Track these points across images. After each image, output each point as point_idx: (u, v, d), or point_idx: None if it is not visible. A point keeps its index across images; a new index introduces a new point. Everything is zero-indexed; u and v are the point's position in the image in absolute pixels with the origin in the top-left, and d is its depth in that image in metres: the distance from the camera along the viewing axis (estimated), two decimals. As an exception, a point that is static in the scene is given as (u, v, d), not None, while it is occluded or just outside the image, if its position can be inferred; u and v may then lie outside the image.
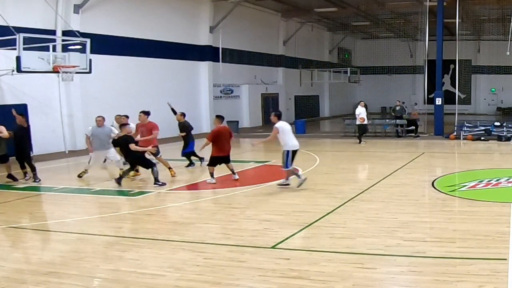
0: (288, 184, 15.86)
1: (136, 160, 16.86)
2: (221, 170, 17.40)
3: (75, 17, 27.35)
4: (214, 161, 17.08)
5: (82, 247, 10.35)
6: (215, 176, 16.87)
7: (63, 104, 27.03)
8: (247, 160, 22.65)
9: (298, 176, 15.79)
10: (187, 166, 20.62)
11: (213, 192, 15.74)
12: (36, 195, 16.36)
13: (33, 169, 18.23)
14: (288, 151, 15.72)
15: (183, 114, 21.40)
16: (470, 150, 25.57)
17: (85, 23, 27.63)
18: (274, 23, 47.70)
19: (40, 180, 17.99)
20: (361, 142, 28.47)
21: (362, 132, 29.27)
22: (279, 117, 16.31)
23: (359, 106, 29.69)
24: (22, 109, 22.81)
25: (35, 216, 13.48)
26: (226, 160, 17.33)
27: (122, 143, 16.74)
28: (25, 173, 18.51)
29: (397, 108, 33.91)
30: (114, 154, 18.58)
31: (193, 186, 17.12)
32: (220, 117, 17.75)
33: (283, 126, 16.03)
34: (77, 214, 13.45)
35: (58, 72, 22.31)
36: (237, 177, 17.38)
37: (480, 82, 61.38)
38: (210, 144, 17.07)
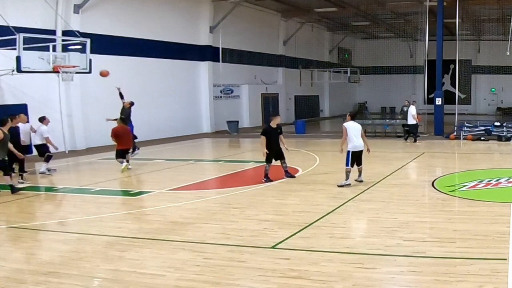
0: (349, 184, 15.83)
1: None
2: (220, 170, 17.39)
3: (75, 17, 27.38)
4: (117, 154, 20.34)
5: (82, 247, 10.35)
6: None
7: (63, 104, 27.03)
8: (247, 160, 22.65)
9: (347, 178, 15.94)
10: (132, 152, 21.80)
11: (213, 192, 15.76)
12: (36, 195, 16.36)
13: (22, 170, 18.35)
14: (348, 151, 16.00)
15: (132, 103, 23.29)
16: (470, 150, 25.58)
17: (85, 23, 27.66)
18: (274, 23, 47.72)
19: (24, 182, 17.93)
20: (416, 141, 29.00)
21: (416, 131, 29.67)
22: (352, 117, 16.70)
23: (412, 106, 29.74)
24: (22, 109, 22.86)
25: (35, 216, 13.48)
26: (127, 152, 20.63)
27: None
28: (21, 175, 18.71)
29: (405, 108, 32.15)
30: None
31: (193, 186, 17.12)
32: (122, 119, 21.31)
33: (349, 126, 16.24)
34: (77, 214, 13.44)
35: (58, 72, 22.31)
36: (130, 166, 20.25)
37: (480, 82, 61.39)
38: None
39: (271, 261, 8.92)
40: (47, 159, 19.61)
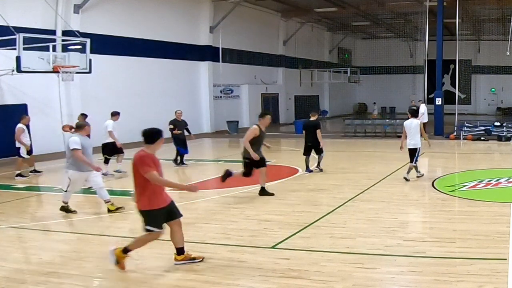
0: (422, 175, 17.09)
1: None
2: (220, 170, 17.37)
3: (75, 17, 27.37)
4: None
5: (82, 247, 10.36)
6: None
7: (63, 104, 27.05)
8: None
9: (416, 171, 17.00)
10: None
11: (213, 192, 15.74)
12: (36, 195, 16.39)
13: None
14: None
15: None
16: (470, 150, 25.59)
17: (85, 23, 27.64)
18: (274, 23, 47.73)
19: None
20: None
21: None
22: (412, 114, 17.11)
23: (422, 105, 29.97)
24: (22, 109, 22.89)
25: (35, 216, 13.49)
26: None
27: None
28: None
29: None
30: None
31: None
32: (84, 115, 20.50)
33: (405, 124, 17.04)
34: (77, 214, 13.45)
35: (58, 72, 22.30)
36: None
37: (480, 82, 61.39)
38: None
39: (271, 261, 8.93)
40: (107, 161, 19.25)
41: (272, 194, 14.63)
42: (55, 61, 22.06)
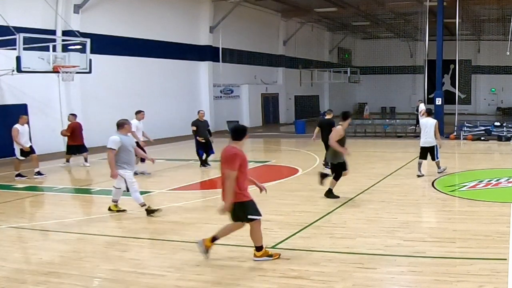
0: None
1: None
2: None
3: (75, 17, 27.39)
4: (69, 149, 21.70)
5: (82, 247, 10.37)
6: None
7: (63, 104, 27.07)
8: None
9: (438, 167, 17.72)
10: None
11: (213, 192, 15.74)
12: (36, 195, 16.38)
13: None
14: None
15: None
16: (470, 150, 25.60)
17: (85, 23, 27.66)
18: (274, 23, 47.73)
19: None
20: None
21: None
22: (428, 113, 18.18)
23: (421, 104, 30.67)
24: (22, 109, 22.90)
25: (35, 216, 13.49)
26: (80, 148, 21.94)
27: None
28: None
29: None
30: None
31: (193, 186, 17.13)
32: (74, 115, 22.22)
33: (421, 122, 18.47)
34: (77, 214, 13.46)
35: (58, 72, 22.32)
36: (88, 164, 21.46)
37: (480, 82, 61.36)
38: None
39: (271, 261, 8.93)
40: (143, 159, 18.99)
41: (337, 197, 14.24)
42: (55, 61, 22.06)
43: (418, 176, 17.23)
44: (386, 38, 59.22)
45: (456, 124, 32.27)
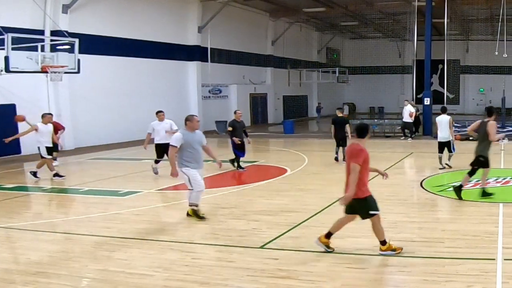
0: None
1: None
2: (209, 170, 17.35)
3: (64, 17, 27.34)
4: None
5: (70, 247, 10.33)
6: None
7: (52, 104, 26.98)
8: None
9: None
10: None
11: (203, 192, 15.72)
12: (25, 195, 16.31)
13: None
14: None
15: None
16: (459, 150, 25.57)
17: (73, 23, 27.60)
18: (263, 23, 47.78)
19: None
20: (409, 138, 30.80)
21: (411, 128, 31.59)
22: (443, 111, 20.15)
23: (409, 105, 31.13)
24: (11, 109, 22.82)
25: (23, 216, 13.41)
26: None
27: None
28: None
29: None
30: None
31: (181, 186, 17.08)
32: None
33: (437, 119, 20.17)
34: (66, 214, 13.42)
35: (46, 72, 22.23)
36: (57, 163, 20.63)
37: (468, 82, 61.61)
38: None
39: (259, 261, 8.93)
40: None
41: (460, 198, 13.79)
42: (43, 61, 21.97)
43: (440, 169, 19.10)
44: (375, 38, 59.42)
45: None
